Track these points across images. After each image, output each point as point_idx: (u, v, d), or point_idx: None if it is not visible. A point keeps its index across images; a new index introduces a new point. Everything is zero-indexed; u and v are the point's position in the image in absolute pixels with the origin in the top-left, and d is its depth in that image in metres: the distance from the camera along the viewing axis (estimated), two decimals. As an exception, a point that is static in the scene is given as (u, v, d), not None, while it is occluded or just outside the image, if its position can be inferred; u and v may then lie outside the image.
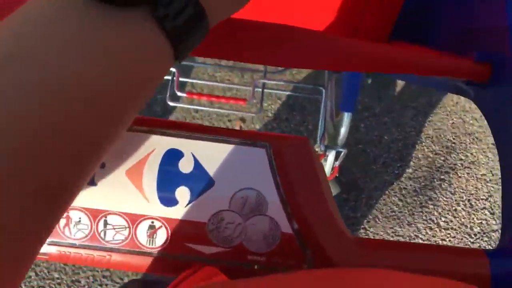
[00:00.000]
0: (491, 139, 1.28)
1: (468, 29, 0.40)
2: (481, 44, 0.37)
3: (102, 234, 0.28)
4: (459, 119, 1.30)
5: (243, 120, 1.37)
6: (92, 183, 0.28)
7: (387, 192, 1.27)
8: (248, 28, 0.33)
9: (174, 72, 1.07)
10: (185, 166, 0.28)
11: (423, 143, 1.29)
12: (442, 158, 1.28)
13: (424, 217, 1.26)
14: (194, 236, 0.28)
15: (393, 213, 1.27)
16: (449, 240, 1.24)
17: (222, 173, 0.28)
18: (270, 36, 0.33)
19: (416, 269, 0.30)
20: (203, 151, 0.28)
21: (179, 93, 1.06)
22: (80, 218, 0.28)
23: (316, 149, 1.33)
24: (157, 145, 0.28)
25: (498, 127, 0.34)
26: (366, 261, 0.30)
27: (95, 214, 0.28)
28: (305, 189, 0.29)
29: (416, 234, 1.26)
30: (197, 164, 0.28)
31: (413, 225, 1.26)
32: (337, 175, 1.23)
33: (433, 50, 0.38)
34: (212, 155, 0.28)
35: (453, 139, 1.28)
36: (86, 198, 0.28)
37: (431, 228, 1.25)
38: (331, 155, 1.07)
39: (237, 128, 1.37)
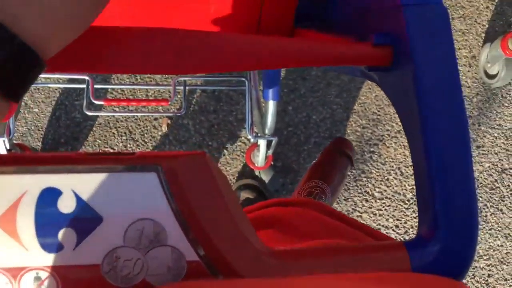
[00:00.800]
0: (413, 107, 1.32)
1: (366, 9, 0.39)
2: (380, 26, 0.36)
3: (-22, 296, 0.24)
4: (381, 91, 1.33)
5: (170, 117, 1.32)
6: (-43, 239, 0.24)
7: (322, 171, 1.28)
8: (126, 36, 0.30)
9: (88, 80, 1.00)
10: (66, 205, 0.25)
11: (350, 119, 1.31)
12: (370, 131, 1.30)
13: (359, 191, 1.29)
14: (88, 281, 0.25)
15: (330, 191, 1.28)
16: (385, 209, 1.28)
17: (111, 206, 0.25)
18: (164, 43, 0.30)
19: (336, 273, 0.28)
20: (85, 185, 0.25)
21: (96, 101, 1.00)
22: (-51, 281, 0.24)
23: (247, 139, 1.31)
24: (29, 185, 0.24)
25: (403, 112, 0.33)
26: (284, 273, 0.28)
27: None
28: (208, 210, 0.26)
29: (354, 208, 1.28)
30: (79, 201, 0.25)
31: (349, 200, 1.28)
32: (272, 163, 1.22)
33: (334, 37, 0.36)
34: (96, 188, 0.25)
35: (378, 111, 1.31)
36: (-48, 257, 0.24)
37: (367, 200, 1.28)
38: (263, 145, 1.05)
39: (164, 125, 1.32)
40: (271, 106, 0.98)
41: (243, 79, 1.05)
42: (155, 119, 1.32)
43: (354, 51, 0.33)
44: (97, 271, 0.25)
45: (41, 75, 1.16)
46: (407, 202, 1.28)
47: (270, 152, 1.12)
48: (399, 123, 1.31)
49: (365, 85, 1.33)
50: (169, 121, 1.33)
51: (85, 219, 0.25)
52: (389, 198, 1.28)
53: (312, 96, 1.32)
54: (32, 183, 0.24)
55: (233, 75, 1.12)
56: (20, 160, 0.24)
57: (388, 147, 1.29)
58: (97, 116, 1.31)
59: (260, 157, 1.12)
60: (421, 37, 0.31)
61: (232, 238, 0.27)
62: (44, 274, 0.25)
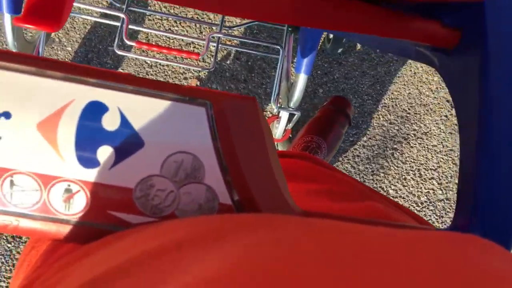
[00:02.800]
0: (444, 111, 1.29)
1: None
2: (451, 6, 0.34)
3: (7, 196, 0.24)
4: (416, 89, 1.30)
5: (199, 79, 1.31)
6: (-4, 136, 0.23)
7: (340, 159, 1.27)
8: None
9: (123, 19, 0.99)
10: (110, 122, 0.24)
11: (379, 112, 1.29)
12: (396, 128, 1.28)
13: (374, 185, 1.27)
14: (118, 203, 0.25)
15: (345, 180, 1.27)
16: (397, 209, 1.26)
17: (154, 133, 0.24)
18: None
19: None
20: (132, 106, 0.24)
21: (128, 42, 0.99)
22: (-19, 177, 0.24)
23: (270, 110, 1.30)
24: (77, 95, 0.24)
25: (460, 97, 0.32)
26: None
27: None
28: (249, 156, 0.25)
29: (366, 201, 1.27)
30: (124, 121, 0.24)
31: (363, 193, 1.27)
32: (290, 136, 1.21)
33: (398, 11, 0.34)
34: (142, 111, 0.24)
35: (409, 109, 1.29)
36: (-11, 154, 0.24)
37: (380, 196, 1.27)
38: (284, 117, 1.04)
39: (193, 86, 1.31)
40: (301, 79, 0.96)
41: (278, 47, 1.03)
42: (185, 78, 1.32)
43: (422, 28, 0.31)
44: (129, 194, 0.25)
45: (77, 4, 1.14)
46: (420, 204, 1.26)
47: (290, 126, 1.11)
48: (427, 125, 1.28)
49: (400, 80, 1.30)
50: (198, 83, 1.32)
51: (127, 141, 0.24)
52: (403, 198, 1.26)
53: (345, 83, 1.30)
54: (80, 94, 0.24)
55: (269, 42, 1.10)
56: (71, 68, 0.24)
57: (412, 147, 1.27)
58: (128, 65, 1.31)
59: (279, 129, 1.11)
60: (499, 23, 0.29)
61: (268, 191, 0.26)
62: (75, 187, 0.24)
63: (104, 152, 0.24)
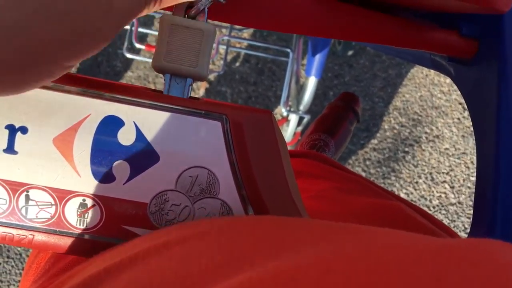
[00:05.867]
0: (456, 114, 1.28)
1: None
2: (470, 16, 0.33)
3: (23, 211, 0.24)
4: (427, 92, 1.29)
5: (209, 82, 1.31)
6: (12, 150, 0.23)
7: (351, 162, 1.26)
8: None
9: (133, 21, 1.00)
10: (126, 137, 0.24)
11: (390, 115, 1.28)
12: (408, 131, 1.27)
13: (385, 188, 1.26)
14: (132, 218, 0.24)
15: (355, 183, 1.26)
16: (408, 212, 1.25)
17: (169, 147, 0.24)
18: None
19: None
20: (148, 120, 0.24)
21: (137, 45, 1.00)
22: (-3, 191, 0.24)
23: (279, 113, 1.30)
24: (93, 110, 0.24)
25: (477, 108, 0.32)
26: None
27: (15, 188, 0.24)
28: (265, 171, 0.25)
29: (376, 204, 1.26)
30: (139, 136, 0.24)
31: (374, 196, 1.26)
32: (299, 139, 1.20)
33: (416, 21, 0.34)
34: (158, 126, 0.24)
35: (420, 112, 1.28)
36: (5, 167, 0.24)
37: (391, 200, 1.26)
38: (294, 120, 1.04)
39: (202, 89, 1.31)
40: (311, 82, 0.96)
41: (288, 50, 1.03)
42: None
43: (440, 38, 0.31)
44: (144, 209, 0.24)
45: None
46: (432, 208, 1.25)
47: (299, 129, 1.10)
48: (439, 128, 1.27)
49: (411, 82, 1.29)
50: (207, 86, 1.32)
51: (142, 156, 0.24)
52: (415, 201, 1.25)
53: (356, 85, 1.29)
54: (97, 108, 0.24)
55: (279, 44, 1.10)
56: (87, 82, 0.24)
57: (423, 150, 1.26)
58: (137, 68, 1.31)
59: (289, 132, 1.11)
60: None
61: (284, 206, 0.26)
62: (90, 202, 0.24)
63: (119, 167, 0.24)
